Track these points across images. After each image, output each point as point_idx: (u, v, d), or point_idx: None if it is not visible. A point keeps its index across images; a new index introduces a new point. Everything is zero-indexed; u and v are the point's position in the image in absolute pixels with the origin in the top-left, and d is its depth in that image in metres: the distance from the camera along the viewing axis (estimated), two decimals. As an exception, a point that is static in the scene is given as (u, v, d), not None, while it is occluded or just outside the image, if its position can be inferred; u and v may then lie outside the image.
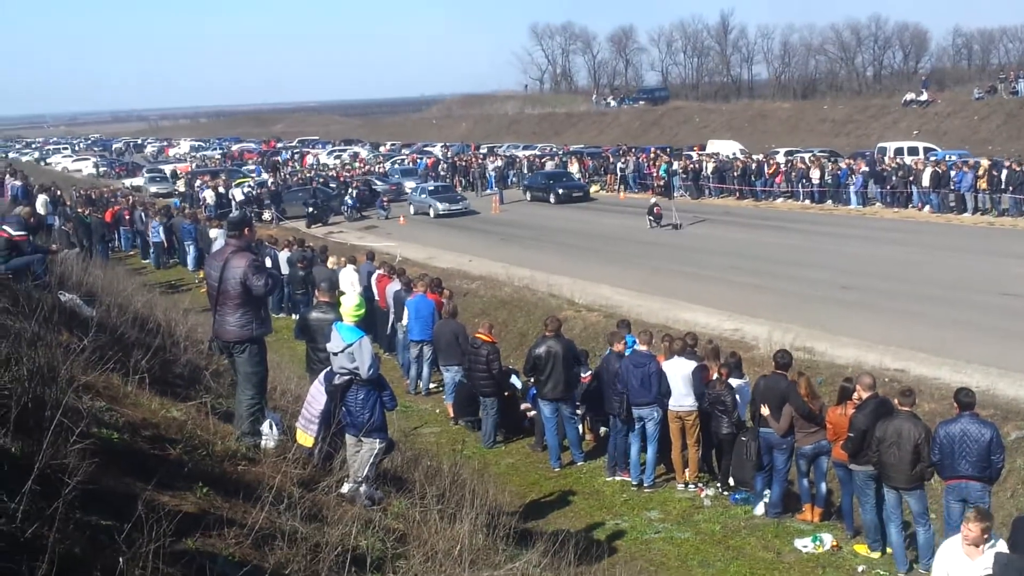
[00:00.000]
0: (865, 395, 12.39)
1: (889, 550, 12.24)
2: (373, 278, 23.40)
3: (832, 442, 13.02)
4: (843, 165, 47.76)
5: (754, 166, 51.17)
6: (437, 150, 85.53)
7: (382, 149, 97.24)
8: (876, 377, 13.79)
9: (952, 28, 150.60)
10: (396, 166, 71.09)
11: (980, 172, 39.32)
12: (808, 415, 13.12)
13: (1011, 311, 23.53)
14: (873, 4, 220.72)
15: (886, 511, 12.21)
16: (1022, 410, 16.60)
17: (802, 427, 13.24)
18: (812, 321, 23.55)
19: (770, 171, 49.56)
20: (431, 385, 20.58)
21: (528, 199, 54.77)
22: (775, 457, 13.61)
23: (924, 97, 75.80)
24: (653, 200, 44.01)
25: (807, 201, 46.18)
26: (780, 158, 54.71)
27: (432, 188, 53.06)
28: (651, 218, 41.38)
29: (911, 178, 42.19)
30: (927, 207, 40.84)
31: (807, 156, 53.11)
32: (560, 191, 53.20)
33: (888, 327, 22.80)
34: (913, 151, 53.29)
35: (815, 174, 46.51)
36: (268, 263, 21.67)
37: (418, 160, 74.64)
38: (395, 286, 21.68)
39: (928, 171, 41.37)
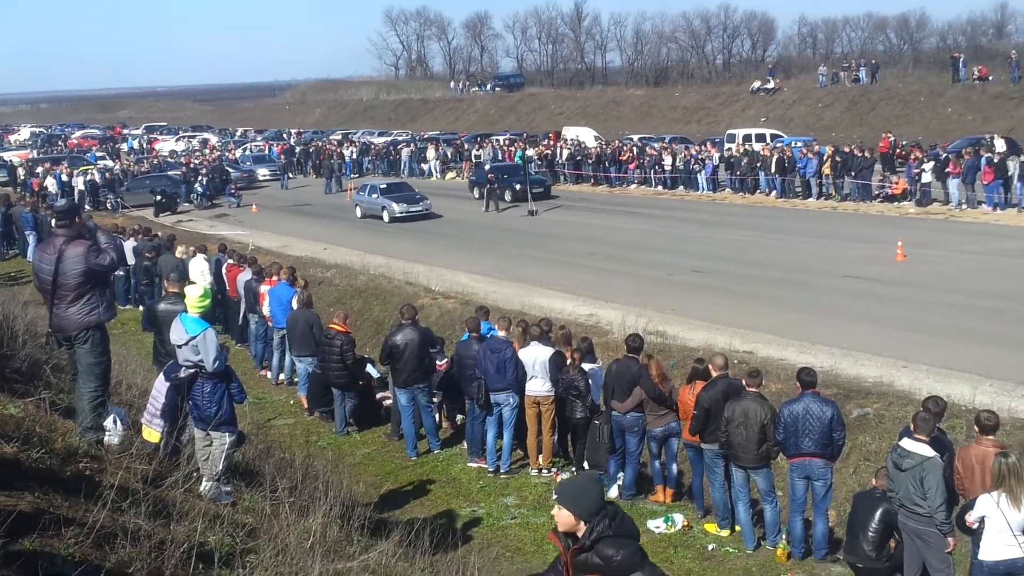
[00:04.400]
0: (716, 374, 12.67)
1: (738, 528, 12.54)
2: (223, 268, 22.89)
3: (682, 423, 13.29)
4: (693, 151, 48.81)
5: (608, 152, 51.82)
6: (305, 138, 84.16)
7: (238, 135, 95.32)
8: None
9: (798, 17, 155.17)
10: (248, 153, 69.73)
11: (824, 158, 40.62)
12: (659, 397, 13.33)
13: (853, 292, 24.35)
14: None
15: (734, 490, 12.51)
16: (863, 388, 17.14)
17: (653, 410, 13.45)
18: (665, 305, 23.96)
19: (624, 157, 50.26)
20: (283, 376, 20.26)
21: (476, 196, 46.41)
22: (627, 440, 13.80)
23: (771, 85, 77.85)
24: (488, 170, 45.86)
25: (660, 187, 47.04)
26: (634, 144, 55.55)
27: (385, 186, 44.57)
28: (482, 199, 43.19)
29: (758, 164, 43.32)
30: (773, 192, 42.02)
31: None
32: (516, 187, 45.01)
33: (737, 310, 23.34)
34: (761, 138, 54.67)
35: (667, 161, 47.37)
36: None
37: (270, 147, 73.40)
38: (246, 275, 21.25)
39: (774, 157, 42.55)
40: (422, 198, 42.66)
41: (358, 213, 43.43)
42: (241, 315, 21.90)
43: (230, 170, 56.54)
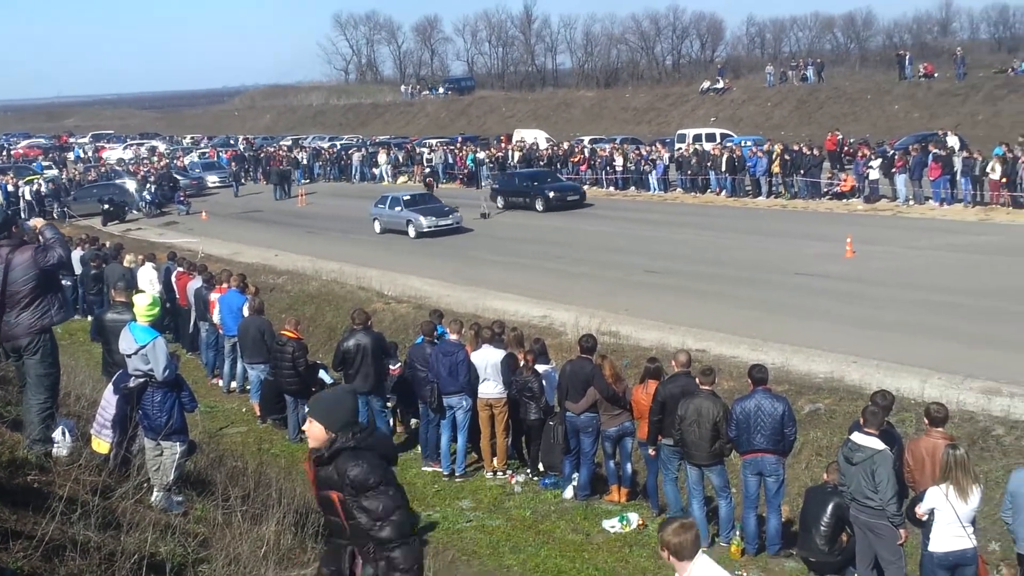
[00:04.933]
0: (677, 370, 12.76)
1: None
2: (173, 276, 22.67)
3: (637, 422, 13.34)
4: (643, 152, 49.05)
5: (560, 154, 51.93)
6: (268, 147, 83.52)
7: (187, 142, 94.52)
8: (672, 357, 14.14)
9: (746, 17, 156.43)
10: (197, 160, 69.15)
11: (773, 157, 40.97)
12: (612, 397, 13.37)
13: (804, 290, 24.56)
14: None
15: (689, 487, 12.58)
16: (815, 384, 17.32)
17: (607, 410, 13.48)
18: (618, 305, 24.05)
19: (575, 159, 50.39)
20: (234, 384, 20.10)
21: (500, 206, 43.55)
22: (582, 440, 13.82)
23: (720, 85, 78.39)
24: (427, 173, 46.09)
25: (611, 188, 47.23)
26: (584, 146, 55.76)
27: (409, 198, 39.57)
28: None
29: (709, 164, 43.60)
30: (724, 192, 42.32)
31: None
32: (550, 195, 41.89)
33: (690, 309, 23.48)
34: (711, 137, 55.04)
35: (618, 161, 47.56)
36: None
37: (218, 153, 72.86)
38: (196, 283, 21.06)
39: (724, 157, 42.85)
40: (451, 210, 38.33)
41: (376, 228, 39.28)
42: (192, 323, 21.71)
43: (179, 177, 56.08)
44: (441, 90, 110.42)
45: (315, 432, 5.79)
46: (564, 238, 34.88)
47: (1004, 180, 33.40)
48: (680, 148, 50.04)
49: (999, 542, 11.91)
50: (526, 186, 43.04)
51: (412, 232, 37.28)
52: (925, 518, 9.42)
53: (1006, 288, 23.13)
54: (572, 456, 14.03)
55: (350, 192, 55.10)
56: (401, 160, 60.43)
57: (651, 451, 12.89)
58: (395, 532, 5.88)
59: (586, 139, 61.45)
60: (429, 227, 37.06)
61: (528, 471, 14.83)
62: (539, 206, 41.52)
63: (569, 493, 13.91)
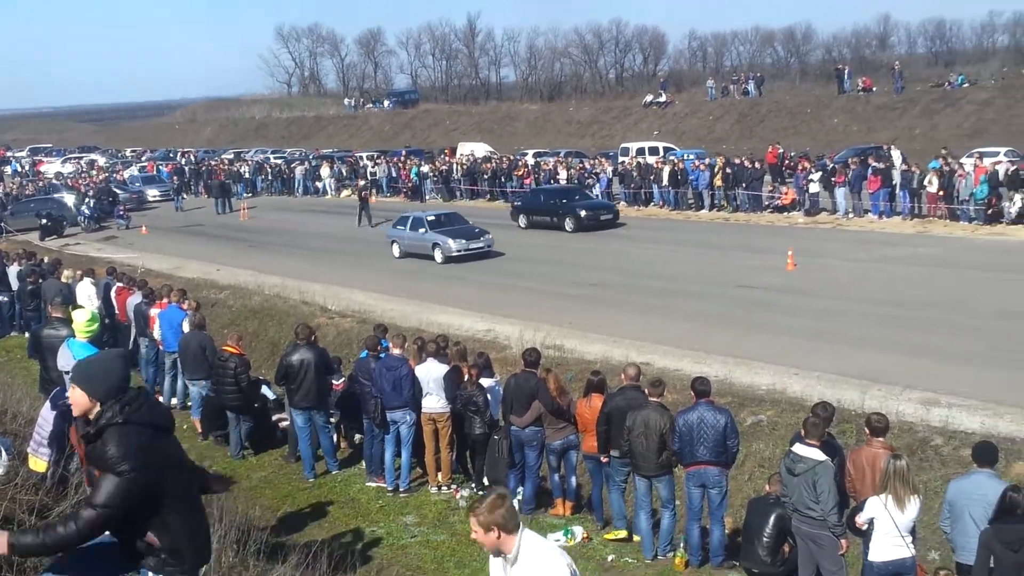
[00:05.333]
0: (626, 383, 12.80)
1: (637, 538, 12.62)
2: (112, 291, 22.37)
3: (581, 435, 13.36)
4: (587, 165, 49.24)
5: (504, 167, 52.02)
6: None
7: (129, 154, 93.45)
8: (616, 370, 14.20)
9: (688, 31, 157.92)
10: (137, 173, 68.37)
11: (716, 170, 41.33)
12: (557, 411, 13.38)
13: (746, 302, 24.77)
14: (614, 8, 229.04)
15: (636, 498, 12.61)
16: (757, 396, 17.46)
17: (552, 423, 13.49)
18: (563, 319, 24.11)
19: (519, 172, 50.49)
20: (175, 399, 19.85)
21: (522, 226, 40.34)
22: (527, 454, 13.81)
23: (663, 98, 78.99)
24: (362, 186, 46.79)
25: (556, 201, 47.23)
26: (529, 159, 55.90)
27: (434, 218, 35.71)
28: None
29: (651, 177, 43.87)
30: (667, 205, 42.59)
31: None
32: (582, 213, 38.70)
33: (634, 322, 23.59)
34: (654, 151, 55.38)
35: (562, 175, 47.69)
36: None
37: (158, 167, 72.11)
38: (136, 299, 20.79)
39: (666, 170, 43.15)
40: (482, 232, 34.85)
41: (395, 252, 35.68)
42: (132, 339, 21.41)
43: (119, 191, 55.43)
44: (387, 103, 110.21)
45: (77, 398, 5.28)
46: (508, 251, 34.86)
47: (941, 193, 33.96)
48: (623, 161, 50.34)
49: (939, 551, 12.07)
50: (553, 204, 40.10)
51: (439, 257, 33.71)
52: (865, 528, 9.52)
53: (944, 300, 23.51)
54: (517, 470, 14.01)
55: (293, 206, 54.81)
56: (344, 173, 60.14)
57: (603, 459, 12.88)
58: (79, 524, 5.22)
59: (530, 152, 61.61)
60: (459, 251, 33.46)
61: (473, 485, 14.77)
62: (568, 226, 38.53)
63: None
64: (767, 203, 39.48)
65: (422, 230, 34.68)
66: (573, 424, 13.56)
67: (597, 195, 44.58)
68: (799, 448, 10.34)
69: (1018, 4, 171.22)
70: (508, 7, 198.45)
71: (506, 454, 13.96)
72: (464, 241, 33.77)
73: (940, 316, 22.08)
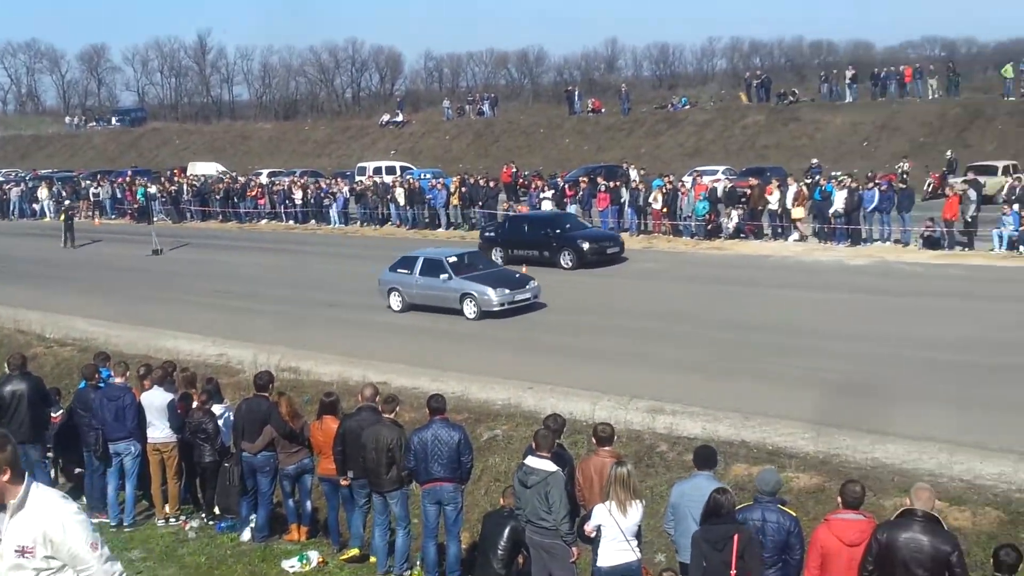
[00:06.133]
0: (361, 404, 12.63)
1: (373, 559, 12.48)
2: None
3: (316, 458, 13.10)
4: (324, 185, 48.77)
5: (237, 188, 50.84)
6: None
7: None
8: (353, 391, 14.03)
9: (424, 52, 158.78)
10: None
11: (452, 189, 41.74)
12: (290, 435, 13.05)
13: (487, 319, 25.05)
14: (350, 28, 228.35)
15: (373, 517, 12.46)
16: (493, 411, 17.70)
17: (285, 448, 13.15)
18: (300, 341, 23.72)
19: (252, 193, 49.47)
20: None
21: (500, 262, 31.06)
22: (259, 480, 13.40)
23: (400, 118, 79.18)
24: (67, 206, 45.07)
25: (291, 222, 46.67)
26: (263, 179, 54.90)
27: (456, 259, 26.98)
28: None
29: (389, 196, 43.87)
30: (404, 224, 42.69)
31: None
32: (584, 246, 31.64)
33: (373, 342, 23.52)
34: (391, 170, 55.47)
35: (298, 195, 47.06)
36: None
37: None
38: None
39: (404, 189, 43.27)
40: (524, 278, 26.73)
41: (394, 304, 27.04)
42: None
43: None
44: (113, 121, 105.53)
45: None
46: (243, 273, 34.19)
47: (665, 210, 35.57)
48: (360, 181, 50.15)
49: (665, 553, 12.50)
50: (544, 236, 32.59)
51: (471, 311, 25.45)
52: (593, 534, 9.73)
53: (669, 311, 24.60)
54: (249, 497, 13.59)
55: (7, 229, 51.74)
56: (65, 195, 57.04)
57: (343, 481, 12.65)
58: None
59: (264, 172, 60.53)
60: (501, 304, 25.33)
61: (203, 515, 14.24)
62: (566, 262, 31.54)
63: (247, 535, 13.44)
64: (502, 221, 40.15)
65: (443, 276, 26.01)
66: (307, 447, 13.28)
67: (334, 217, 44.32)
68: (531, 460, 10.47)
69: (734, 31, 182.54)
70: (241, 25, 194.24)
71: (237, 481, 13.53)
72: (507, 291, 25.60)
73: (666, 327, 23.04)
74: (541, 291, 26.10)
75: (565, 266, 31.19)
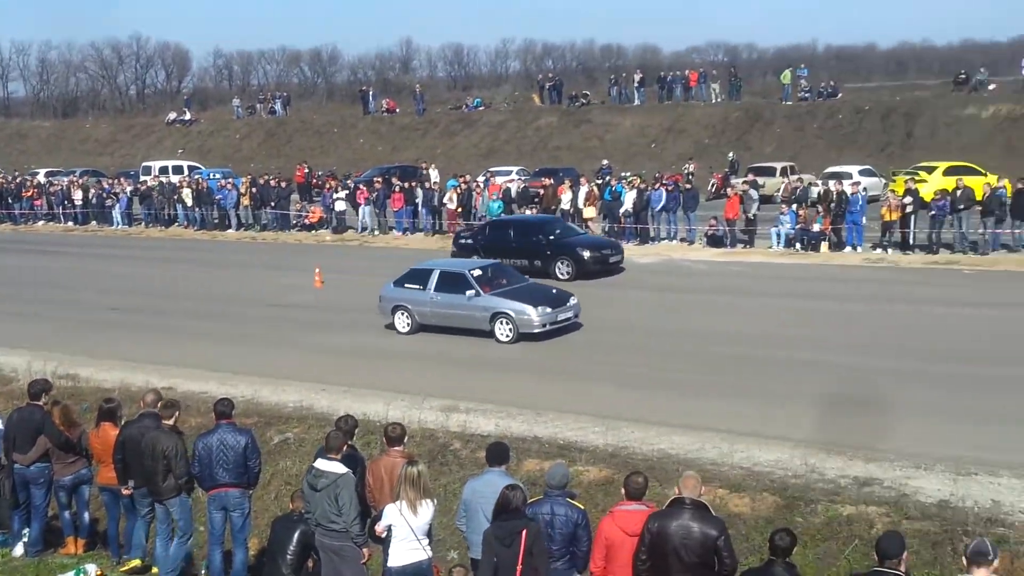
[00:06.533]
0: (144, 410, 12.14)
1: (155, 569, 12.04)
2: None
3: (95, 468, 12.54)
4: (106, 185, 47.03)
5: (12, 188, 48.39)
6: None
7: None
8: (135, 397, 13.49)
9: (212, 49, 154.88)
10: None
11: (243, 189, 40.87)
12: (66, 444, 12.44)
13: (276, 320, 24.77)
14: (134, 23, 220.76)
15: (156, 525, 12.02)
16: (285, 414, 17.37)
17: (60, 458, 12.52)
18: (79, 347, 22.72)
19: (28, 193, 47.20)
20: None
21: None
22: (32, 492, 12.72)
23: (187, 116, 77.04)
24: None
25: (71, 223, 44.79)
26: (40, 179, 52.51)
27: (481, 273, 23.10)
28: None
29: (175, 197, 42.62)
30: (192, 225, 41.53)
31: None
32: (584, 254, 28.70)
33: (158, 346, 22.68)
34: (178, 170, 53.96)
35: (78, 195, 45.15)
36: None
37: None
38: None
39: (192, 189, 42.10)
40: (563, 294, 23.17)
41: (400, 326, 23.19)
42: None
43: None
44: None
45: None
46: (19, 277, 32.67)
47: (460, 209, 35.73)
48: (144, 181, 48.53)
49: (457, 550, 12.49)
50: (536, 243, 29.21)
51: (506, 335, 21.79)
52: (384, 535, 9.63)
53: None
54: (22, 511, 12.90)
55: None
56: None
57: (124, 491, 12.12)
58: None
59: (42, 172, 57.87)
60: (543, 325, 21.79)
61: (-27, 534, 13.43)
62: (562, 272, 28.44)
63: (20, 551, 12.75)
64: (295, 222, 39.63)
65: (469, 292, 22.23)
66: (86, 457, 12.69)
67: (117, 218, 42.73)
68: (321, 463, 10.30)
69: (527, 32, 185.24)
70: (16, 19, 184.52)
71: (9, 494, 12.81)
72: (549, 310, 22.04)
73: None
74: (580, 308, 22.83)
75: (561, 276, 28.19)
